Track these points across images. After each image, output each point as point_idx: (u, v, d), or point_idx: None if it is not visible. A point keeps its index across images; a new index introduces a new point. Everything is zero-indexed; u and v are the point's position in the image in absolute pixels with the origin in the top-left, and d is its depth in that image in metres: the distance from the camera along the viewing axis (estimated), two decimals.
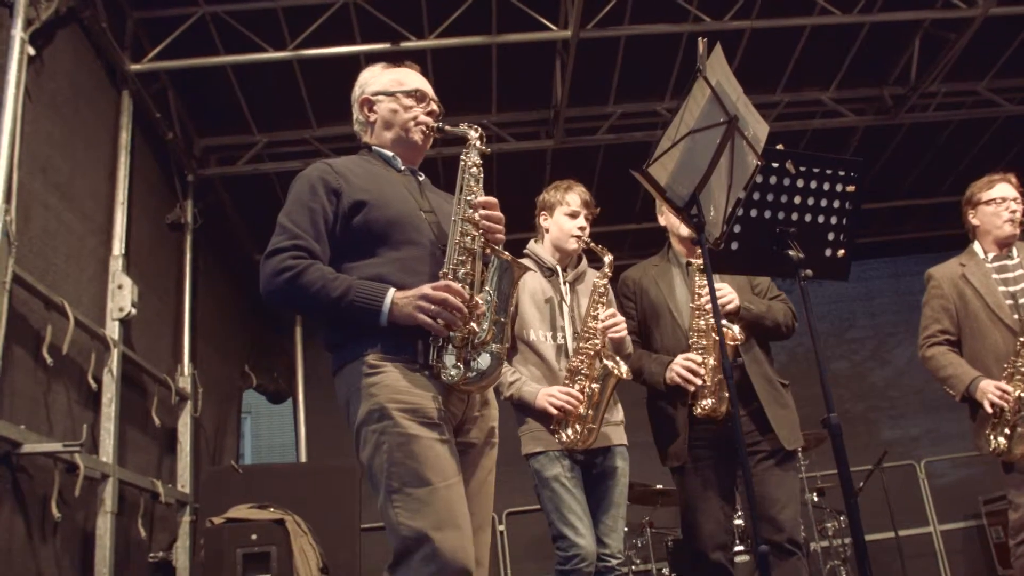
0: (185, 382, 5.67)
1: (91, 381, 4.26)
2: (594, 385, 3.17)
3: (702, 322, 3.19)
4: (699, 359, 3.15)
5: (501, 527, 7.50)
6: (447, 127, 2.47)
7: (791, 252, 2.91)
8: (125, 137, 5.02)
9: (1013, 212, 3.56)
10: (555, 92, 6.06)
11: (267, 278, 2.19)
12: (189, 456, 5.54)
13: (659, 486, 5.68)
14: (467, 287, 2.19)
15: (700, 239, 2.54)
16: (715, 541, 3.16)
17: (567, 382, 3.20)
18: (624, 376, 3.18)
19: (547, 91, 6.18)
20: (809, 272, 2.91)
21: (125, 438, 4.67)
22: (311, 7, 5.22)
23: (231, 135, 6.34)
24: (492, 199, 2.31)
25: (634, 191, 6.99)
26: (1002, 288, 3.53)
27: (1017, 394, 3.30)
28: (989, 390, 3.35)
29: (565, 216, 3.43)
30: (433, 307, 2.11)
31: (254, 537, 4.20)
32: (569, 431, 3.16)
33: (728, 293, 3.16)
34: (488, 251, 2.27)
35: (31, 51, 3.96)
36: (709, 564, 3.16)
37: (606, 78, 6.20)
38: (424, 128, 2.48)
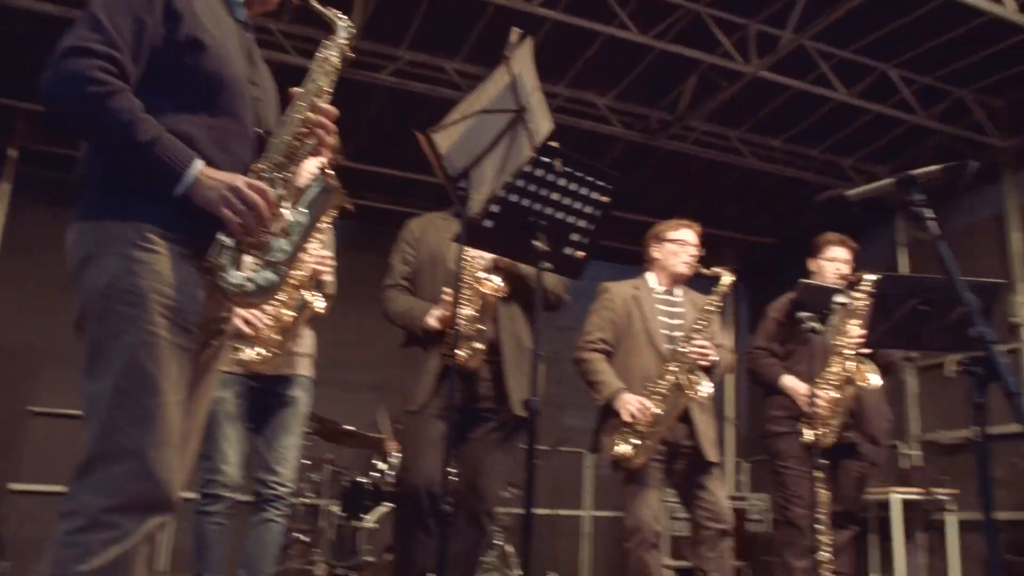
0: None
1: None
2: (289, 312, 3.20)
3: (467, 273, 3.33)
4: (462, 309, 3.28)
5: None
6: (316, 3, 2.17)
7: (537, 243, 3.18)
8: None
9: (691, 256, 4.05)
10: (354, 18, 5.96)
11: (66, 80, 1.81)
12: None
13: (349, 427, 5.78)
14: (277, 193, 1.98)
15: (462, 212, 2.72)
16: (432, 488, 3.31)
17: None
18: (320, 311, 3.24)
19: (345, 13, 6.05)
20: (549, 265, 3.19)
21: None
22: None
23: None
24: (335, 111, 2.10)
25: (404, 140, 7.05)
26: (663, 318, 4.01)
27: (655, 411, 3.76)
28: (631, 402, 3.79)
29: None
30: (240, 205, 1.88)
31: None
32: (250, 351, 3.15)
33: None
34: (319, 167, 2.07)
35: None
36: (422, 509, 3.33)
37: (404, 21, 6.19)
38: None
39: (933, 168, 2.22)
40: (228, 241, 1.92)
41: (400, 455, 5.55)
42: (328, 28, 2.16)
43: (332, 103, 2.11)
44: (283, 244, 1.98)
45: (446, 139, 2.54)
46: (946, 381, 7.39)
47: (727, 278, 3.84)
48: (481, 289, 3.28)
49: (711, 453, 3.88)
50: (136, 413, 1.79)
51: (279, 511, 3.25)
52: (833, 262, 4.62)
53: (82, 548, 1.72)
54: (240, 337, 3.11)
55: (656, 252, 4.13)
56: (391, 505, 5.39)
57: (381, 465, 5.67)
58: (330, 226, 3.33)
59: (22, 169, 7.12)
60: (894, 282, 4.05)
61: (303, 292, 3.19)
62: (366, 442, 5.92)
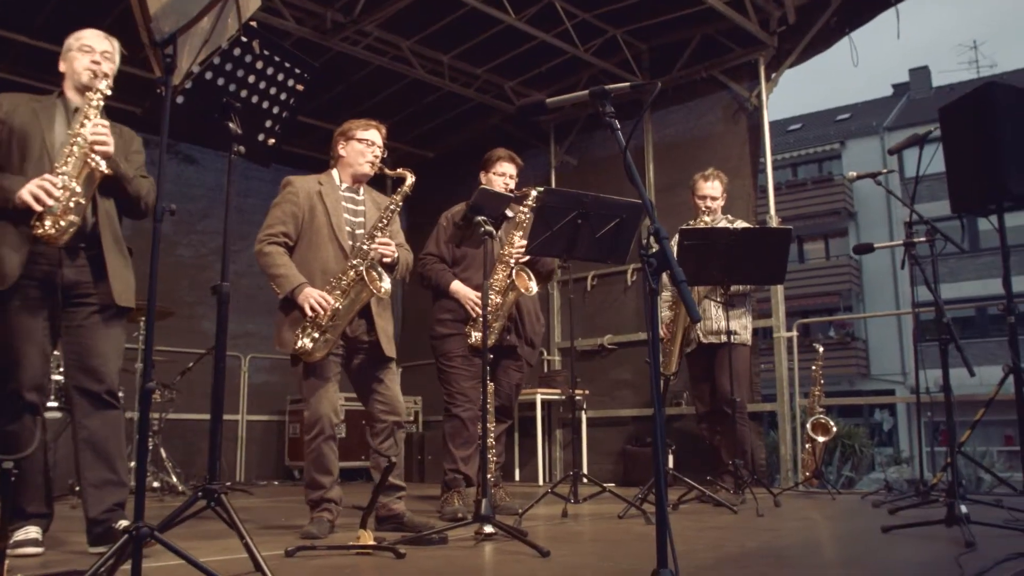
0: None
1: None
2: None
3: (75, 150, 3.17)
4: (58, 181, 3.12)
5: None
6: None
7: (231, 125, 3.15)
8: None
9: (376, 156, 4.21)
10: None
11: None
12: None
13: None
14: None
15: (167, 80, 2.63)
16: (34, 381, 3.22)
17: None
18: None
19: None
20: (242, 148, 3.17)
21: None
22: None
23: None
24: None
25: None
26: (347, 216, 4.13)
27: (336, 306, 3.90)
28: (313, 296, 3.87)
29: None
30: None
31: None
32: None
33: (108, 136, 3.20)
34: None
35: None
36: (24, 403, 3.21)
37: None
38: None
39: (623, 84, 2.52)
40: None
41: None
42: None
43: None
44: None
45: (156, 1, 2.44)
46: (584, 295, 8.29)
47: (410, 179, 4.01)
48: (89, 164, 3.14)
49: (389, 348, 4.08)
50: None
51: None
52: (502, 176, 5.01)
53: None
54: None
55: (343, 150, 4.20)
56: None
57: None
58: None
59: None
60: (556, 196, 4.51)
61: None
62: None
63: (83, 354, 3.27)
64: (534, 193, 4.79)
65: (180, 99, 3.06)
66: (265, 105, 3.36)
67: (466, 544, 3.45)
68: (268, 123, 3.41)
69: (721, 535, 3.73)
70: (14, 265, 3.15)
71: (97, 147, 3.16)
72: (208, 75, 3.11)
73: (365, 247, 3.92)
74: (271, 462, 8.87)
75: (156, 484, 6.17)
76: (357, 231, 4.08)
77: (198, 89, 3.10)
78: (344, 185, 4.17)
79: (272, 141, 3.46)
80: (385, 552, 3.11)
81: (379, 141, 4.21)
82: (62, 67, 3.45)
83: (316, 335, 3.86)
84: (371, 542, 3.15)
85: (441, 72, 8.22)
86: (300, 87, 3.45)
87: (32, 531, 3.24)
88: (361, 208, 4.16)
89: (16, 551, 3.11)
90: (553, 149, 9.08)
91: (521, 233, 4.79)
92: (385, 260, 4.00)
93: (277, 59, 3.33)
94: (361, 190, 4.21)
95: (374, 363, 4.08)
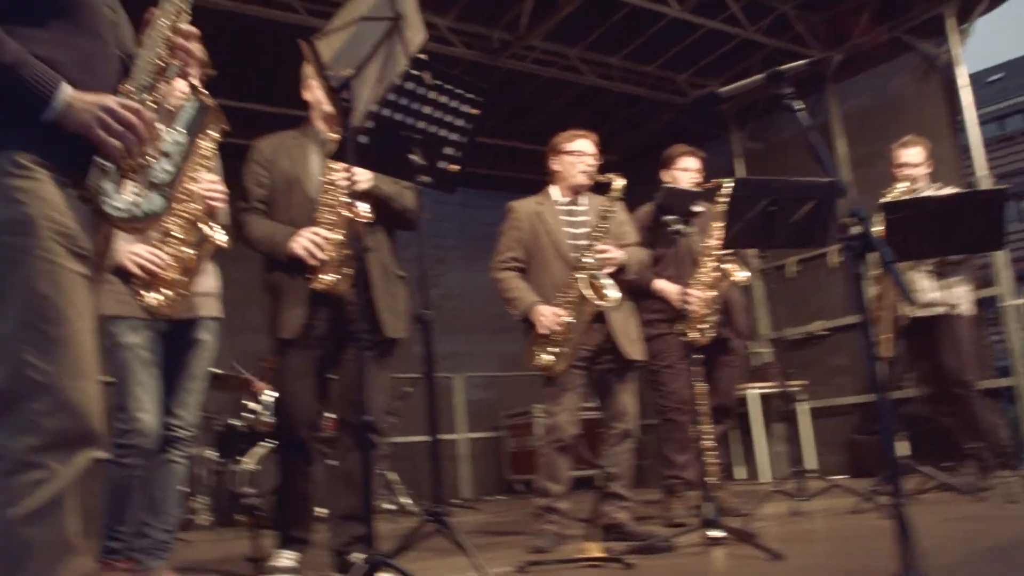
0: None
1: None
2: (189, 250, 3.09)
3: (332, 198, 3.34)
4: (325, 234, 3.31)
5: None
6: None
7: (413, 157, 3.26)
8: None
9: (589, 166, 4.24)
10: None
11: None
12: None
13: (216, 370, 5.74)
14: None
15: (346, 122, 2.76)
16: (306, 419, 3.39)
17: (157, 244, 3.09)
18: (222, 243, 3.13)
19: None
20: (427, 178, 3.28)
21: None
22: None
23: None
24: (195, 30, 2.04)
25: (241, 68, 6.87)
26: (568, 229, 4.17)
27: (566, 318, 3.96)
28: (544, 313, 3.98)
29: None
30: (116, 125, 1.82)
31: None
32: (155, 295, 3.05)
33: (362, 172, 3.34)
34: (189, 87, 2.03)
35: None
36: (296, 440, 3.40)
37: None
38: None
39: (799, 62, 2.43)
40: (107, 165, 1.86)
41: (271, 395, 5.56)
42: None
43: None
44: (165, 165, 1.96)
45: (328, 48, 2.56)
46: (786, 282, 8.01)
47: (619, 182, 4.02)
48: (349, 215, 3.27)
49: (631, 351, 4.05)
50: (45, 345, 1.73)
51: (181, 452, 3.23)
52: (686, 172, 4.92)
53: (10, 492, 1.67)
54: (142, 282, 3.01)
55: (556, 165, 4.27)
56: (270, 444, 5.39)
57: (253, 405, 5.65)
58: (216, 153, 3.19)
59: None
60: (745, 185, 4.37)
61: (200, 226, 3.07)
62: (233, 384, 5.88)
63: (350, 388, 3.39)
64: (725, 185, 4.67)
65: (363, 138, 3.19)
66: (443, 133, 3.44)
67: (694, 551, 3.39)
68: (448, 150, 3.49)
69: (970, 527, 3.48)
70: (297, 317, 3.35)
71: (354, 187, 3.25)
72: (386, 111, 3.23)
73: (586, 259, 3.96)
74: (494, 477, 9.06)
75: (390, 506, 6.44)
76: (582, 242, 4.09)
77: (379, 126, 3.21)
78: (564, 199, 4.23)
79: (455, 167, 3.54)
80: (613, 563, 3.10)
81: (589, 150, 4.25)
82: (307, 96, 3.61)
83: (554, 349, 3.94)
84: (598, 554, 3.15)
85: (611, 75, 8.18)
86: (475, 111, 3.52)
87: (287, 557, 3.37)
88: (582, 219, 4.18)
89: None
90: (735, 137, 8.84)
91: (720, 225, 4.68)
92: (609, 267, 4.01)
93: (448, 87, 3.40)
94: (582, 200, 4.25)
95: (614, 369, 4.08)
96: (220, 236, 3.10)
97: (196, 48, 2.04)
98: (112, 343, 3.09)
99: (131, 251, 3.03)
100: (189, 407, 3.26)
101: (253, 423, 5.56)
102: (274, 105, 7.33)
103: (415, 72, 3.23)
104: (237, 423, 5.57)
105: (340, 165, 3.29)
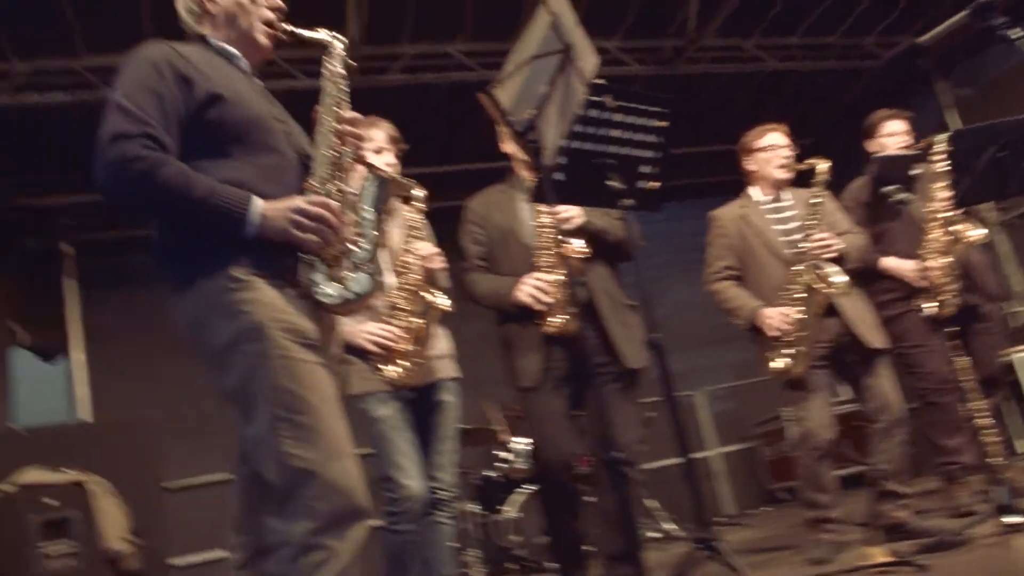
0: None
1: None
2: (417, 319, 3.20)
3: (546, 240, 3.37)
4: (547, 277, 3.35)
5: None
6: (303, 31, 2.29)
7: (612, 183, 3.22)
8: None
9: (785, 158, 4.07)
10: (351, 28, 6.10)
11: (114, 166, 1.94)
12: None
13: (463, 426, 5.89)
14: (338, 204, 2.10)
15: (539, 163, 2.78)
16: (562, 462, 3.40)
17: (387, 319, 3.22)
18: (446, 308, 3.22)
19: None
20: (630, 202, 3.25)
21: None
22: None
23: None
24: (358, 115, 2.23)
25: (433, 134, 7.14)
26: (777, 226, 4.01)
27: (795, 316, 3.79)
28: (770, 316, 3.82)
29: (372, 153, 3.37)
30: (309, 222, 2.00)
31: (50, 502, 4.00)
32: (393, 368, 3.17)
33: (572, 209, 3.36)
34: (365, 167, 2.22)
35: None
36: (556, 484, 3.43)
37: (400, 17, 6.26)
38: (271, 29, 2.29)
39: None
40: (311, 259, 2.05)
41: (519, 442, 5.66)
42: (323, 48, 2.29)
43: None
44: (363, 245, 2.12)
45: (506, 94, 2.61)
46: None
47: (823, 165, 3.85)
48: (564, 254, 3.30)
49: (872, 338, 3.81)
50: (299, 434, 1.90)
51: (446, 512, 3.32)
52: (893, 136, 4.59)
53: (300, 574, 1.85)
54: (380, 358, 3.17)
55: (750, 164, 4.15)
56: (528, 489, 5.47)
57: (504, 455, 5.76)
58: (424, 220, 3.34)
59: (83, 263, 7.51)
60: (966, 136, 4.04)
61: (423, 294, 3.20)
62: (481, 437, 6.01)
63: (599, 424, 3.37)
64: (939, 140, 4.35)
65: (559, 175, 3.20)
66: (636, 153, 3.40)
67: (992, 541, 3.11)
68: (645, 168, 3.44)
69: None
70: (535, 364, 3.42)
71: (564, 226, 3.33)
72: (575, 143, 3.23)
73: (804, 248, 3.81)
74: (755, 489, 8.72)
75: (655, 534, 6.35)
76: (794, 236, 3.95)
77: (571, 160, 3.21)
78: (766, 198, 4.11)
79: (654, 184, 3.50)
80: (904, 567, 2.89)
81: (782, 142, 4.11)
82: (505, 148, 3.67)
83: (789, 351, 3.79)
84: (884, 558, 2.96)
85: (793, 55, 7.85)
86: (662, 123, 3.47)
87: None
88: (789, 213, 4.04)
89: None
90: (940, 88, 8.21)
91: (944, 183, 4.35)
92: (827, 255, 3.82)
93: (632, 105, 3.37)
94: (785, 195, 4.11)
95: (862, 358, 3.85)
96: (443, 301, 3.20)
97: (362, 132, 2.20)
98: (366, 419, 3.20)
99: (364, 330, 3.17)
100: (446, 468, 3.33)
101: (507, 471, 5.67)
102: (482, 162, 7.53)
103: (596, 98, 3.22)
104: (492, 474, 5.69)
105: (546, 207, 3.34)
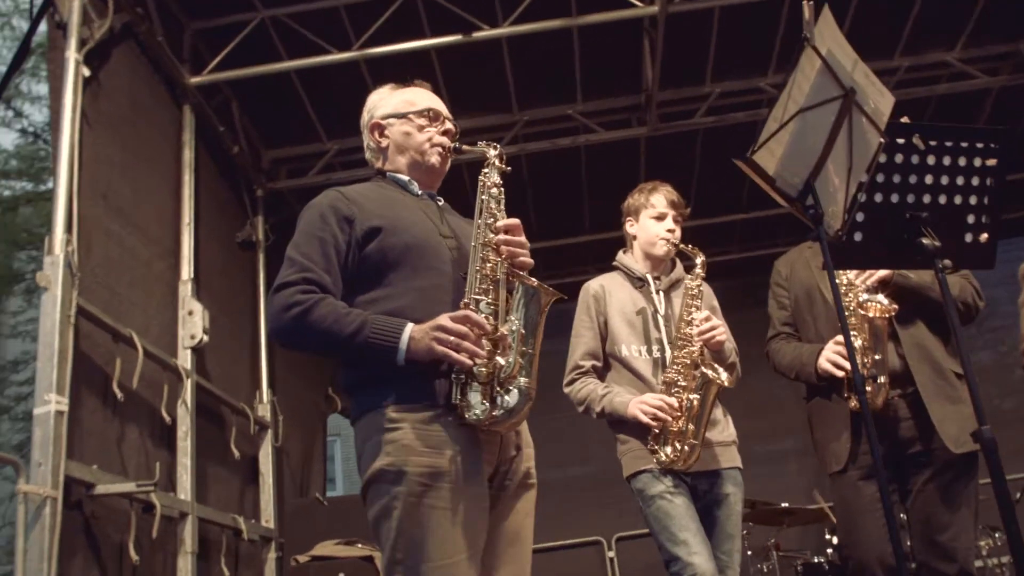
0: (265, 410, 5.70)
1: (164, 414, 4.28)
2: (693, 396, 3.05)
3: (848, 300, 3.00)
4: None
5: (611, 553, 7.42)
6: (464, 146, 2.45)
7: (925, 240, 2.69)
8: (188, 154, 5.08)
9: None
10: (645, 75, 5.91)
11: (274, 315, 2.18)
12: (272, 489, 5.57)
13: (784, 504, 5.44)
14: (490, 317, 2.16)
15: (819, 232, 2.36)
16: (876, 557, 2.94)
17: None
18: (726, 384, 3.05)
19: (636, 74, 6.04)
20: (948, 263, 2.70)
21: (203, 473, 4.70)
22: (375, 2, 5.18)
23: (300, 144, 6.40)
24: (515, 221, 2.28)
25: (740, 178, 6.73)
26: None
27: None
28: None
29: (651, 220, 3.37)
30: (452, 338, 2.07)
31: None
32: (668, 448, 3.04)
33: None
34: (512, 278, 2.22)
35: (86, 72, 4.02)
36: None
37: (700, 55, 6.01)
38: (440, 149, 2.47)
39: None
40: (462, 377, 2.12)
41: None
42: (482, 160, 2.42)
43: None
44: (511, 359, 2.14)
45: (770, 157, 2.22)
46: None
47: None
48: (866, 315, 2.96)
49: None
50: None
51: None
52: None
53: None
54: (655, 436, 3.07)
55: None
56: None
57: (836, 539, 5.20)
58: (701, 286, 3.23)
59: None
60: None
61: (701, 369, 3.05)
62: (809, 516, 5.60)
63: (927, 527, 2.97)
64: None
65: (858, 235, 2.74)
66: (958, 200, 2.84)
67: None
68: (971, 218, 2.87)
69: None
70: (842, 445, 3.05)
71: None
72: (877, 197, 2.75)
73: None
74: None
75: None
76: None
77: (872, 216, 2.74)
78: None
79: (985, 237, 2.90)
80: None
81: None
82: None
83: None
84: None
85: None
86: (992, 161, 2.87)
87: None
88: None
89: None
90: None
91: None
92: None
93: (950, 144, 2.82)
94: None
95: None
96: (722, 376, 3.06)
97: (517, 240, 2.24)
98: (641, 500, 3.12)
99: (639, 400, 3.09)
100: (731, 571, 3.09)
101: (836, 558, 5.08)
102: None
103: (901, 140, 2.73)
104: (819, 560, 5.10)
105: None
